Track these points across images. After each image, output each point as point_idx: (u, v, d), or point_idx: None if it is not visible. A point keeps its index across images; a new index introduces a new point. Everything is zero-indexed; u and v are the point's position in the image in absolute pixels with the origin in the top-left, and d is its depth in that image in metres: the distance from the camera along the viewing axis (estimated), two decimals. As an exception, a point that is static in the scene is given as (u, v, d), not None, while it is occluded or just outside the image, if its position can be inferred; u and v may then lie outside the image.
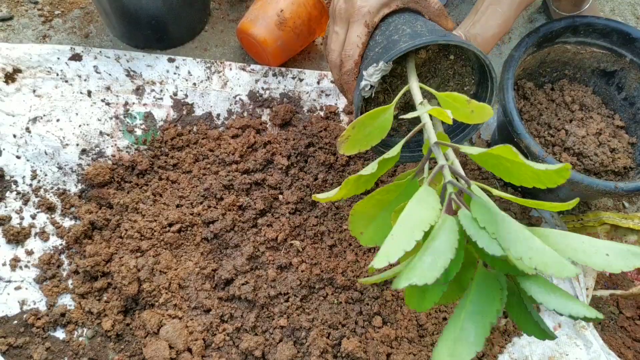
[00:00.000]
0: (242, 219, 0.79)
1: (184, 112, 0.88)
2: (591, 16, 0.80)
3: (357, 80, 0.60)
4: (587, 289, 0.79)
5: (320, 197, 0.48)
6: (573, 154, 0.77)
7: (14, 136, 0.79)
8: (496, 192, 0.40)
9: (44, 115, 0.81)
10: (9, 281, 0.73)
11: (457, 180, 0.40)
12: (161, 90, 0.88)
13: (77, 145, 0.81)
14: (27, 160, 0.79)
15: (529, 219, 0.84)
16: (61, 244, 0.76)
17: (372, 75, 0.55)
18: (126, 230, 0.76)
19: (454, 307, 0.75)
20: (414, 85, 0.52)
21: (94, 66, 0.87)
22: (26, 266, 0.74)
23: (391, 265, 0.38)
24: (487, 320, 0.33)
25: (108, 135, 0.84)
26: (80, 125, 0.83)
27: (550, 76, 0.87)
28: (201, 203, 0.81)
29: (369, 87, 0.56)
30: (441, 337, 0.34)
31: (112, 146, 0.83)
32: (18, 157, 0.79)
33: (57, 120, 0.82)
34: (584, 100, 0.83)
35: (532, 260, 0.31)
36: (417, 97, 0.50)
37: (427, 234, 0.34)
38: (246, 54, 0.99)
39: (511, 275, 0.36)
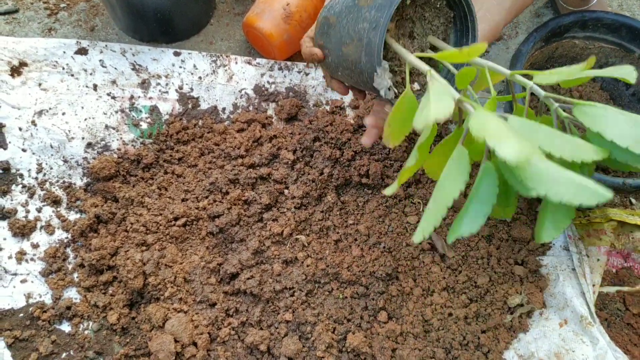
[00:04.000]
0: (247, 214, 0.79)
1: (190, 106, 0.87)
2: (600, 11, 0.79)
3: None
4: (593, 285, 0.78)
5: (391, 189, 0.50)
6: (581, 149, 0.77)
7: (20, 129, 0.79)
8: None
9: (50, 109, 0.81)
10: (15, 274, 0.73)
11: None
12: (167, 84, 0.88)
13: (83, 138, 0.81)
14: (33, 153, 0.79)
15: (535, 214, 0.84)
16: (67, 238, 0.76)
17: (383, 80, 0.54)
18: (132, 224, 0.76)
19: (459, 303, 0.75)
20: (412, 59, 0.52)
21: (100, 60, 0.87)
22: (32, 259, 0.74)
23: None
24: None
25: (114, 128, 0.83)
26: (85, 119, 0.82)
27: (558, 71, 0.86)
28: (207, 197, 0.80)
29: (389, 88, 0.56)
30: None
31: (117, 140, 0.83)
32: (24, 150, 0.79)
33: (63, 114, 0.82)
34: (591, 95, 0.83)
35: None
36: (423, 67, 0.50)
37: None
38: (252, 48, 0.99)
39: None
